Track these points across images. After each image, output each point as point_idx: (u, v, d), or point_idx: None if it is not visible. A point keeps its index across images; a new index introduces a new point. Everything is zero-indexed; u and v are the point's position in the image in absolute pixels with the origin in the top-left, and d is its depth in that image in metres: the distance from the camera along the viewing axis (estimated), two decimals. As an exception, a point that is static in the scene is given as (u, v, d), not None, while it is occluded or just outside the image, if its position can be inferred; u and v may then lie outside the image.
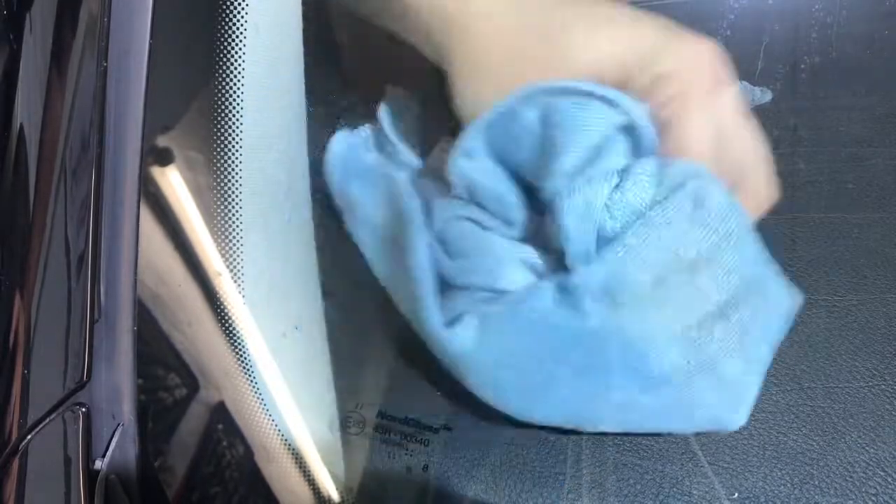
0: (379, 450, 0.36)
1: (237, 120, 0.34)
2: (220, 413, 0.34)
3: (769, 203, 0.33)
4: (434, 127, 0.39)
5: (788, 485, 0.32)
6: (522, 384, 0.32)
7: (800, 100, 0.38)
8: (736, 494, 0.33)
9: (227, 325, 0.34)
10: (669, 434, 0.33)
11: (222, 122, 0.34)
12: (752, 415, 0.34)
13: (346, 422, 0.37)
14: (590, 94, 0.30)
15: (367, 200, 0.37)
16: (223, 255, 0.34)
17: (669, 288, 0.29)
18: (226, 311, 0.34)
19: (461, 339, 0.32)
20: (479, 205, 0.34)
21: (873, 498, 0.32)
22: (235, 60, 0.34)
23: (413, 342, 0.35)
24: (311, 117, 0.38)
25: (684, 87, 0.30)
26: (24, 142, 0.36)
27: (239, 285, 0.34)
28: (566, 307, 0.30)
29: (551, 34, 0.32)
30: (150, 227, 0.34)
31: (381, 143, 0.40)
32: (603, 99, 0.30)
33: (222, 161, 0.34)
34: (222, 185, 0.34)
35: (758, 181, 0.32)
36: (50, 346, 0.34)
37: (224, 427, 0.34)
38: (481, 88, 0.33)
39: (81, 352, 0.33)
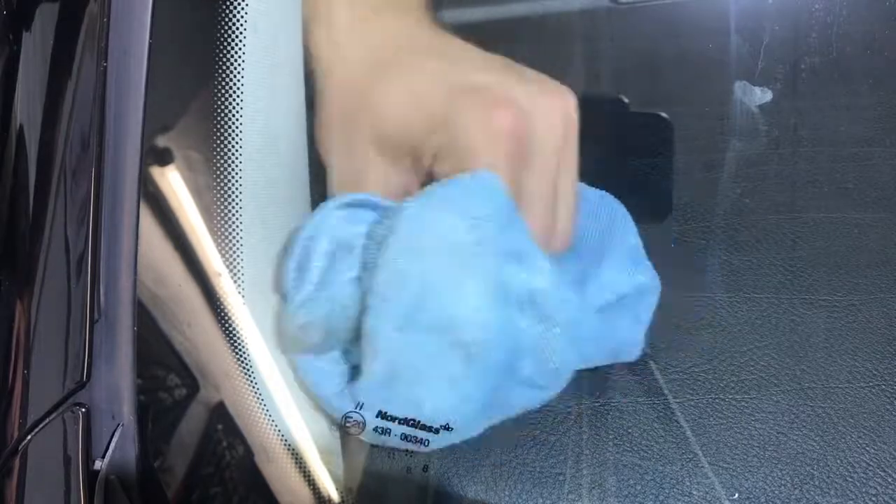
0: (379, 450, 0.36)
1: (237, 120, 0.34)
2: (220, 413, 0.34)
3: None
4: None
5: (788, 485, 0.32)
6: None
7: (800, 100, 0.38)
8: (736, 494, 0.33)
9: (226, 325, 0.34)
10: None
11: (222, 122, 0.34)
12: (752, 415, 0.34)
13: (346, 422, 0.37)
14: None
15: None
16: (223, 255, 0.34)
17: None
18: (226, 311, 0.34)
19: None
20: None
21: (873, 498, 0.32)
22: (235, 60, 0.34)
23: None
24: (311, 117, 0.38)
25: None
26: (24, 142, 0.36)
27: (239, 285, 0.34)
28: None
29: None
30: (149, 228, 0.34)
31: None
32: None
33: (222, 161, 0.34)
34: (222, 185, 0.34)
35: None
36: (50, 346, 0.34)
37: (224, 427, 0.34)
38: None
39: (81, 352, 0.33)
